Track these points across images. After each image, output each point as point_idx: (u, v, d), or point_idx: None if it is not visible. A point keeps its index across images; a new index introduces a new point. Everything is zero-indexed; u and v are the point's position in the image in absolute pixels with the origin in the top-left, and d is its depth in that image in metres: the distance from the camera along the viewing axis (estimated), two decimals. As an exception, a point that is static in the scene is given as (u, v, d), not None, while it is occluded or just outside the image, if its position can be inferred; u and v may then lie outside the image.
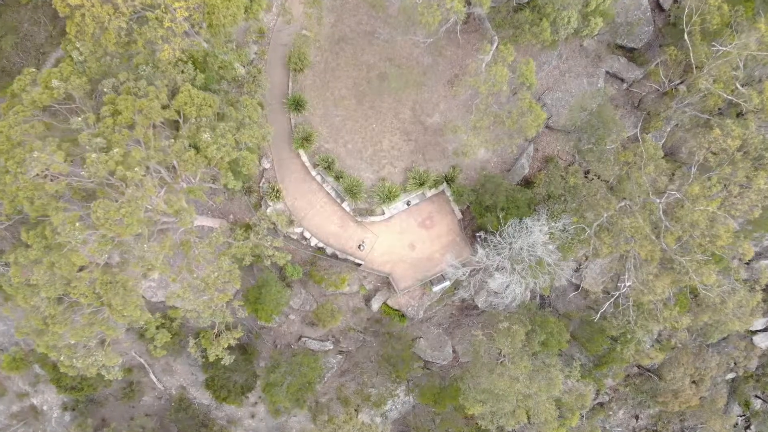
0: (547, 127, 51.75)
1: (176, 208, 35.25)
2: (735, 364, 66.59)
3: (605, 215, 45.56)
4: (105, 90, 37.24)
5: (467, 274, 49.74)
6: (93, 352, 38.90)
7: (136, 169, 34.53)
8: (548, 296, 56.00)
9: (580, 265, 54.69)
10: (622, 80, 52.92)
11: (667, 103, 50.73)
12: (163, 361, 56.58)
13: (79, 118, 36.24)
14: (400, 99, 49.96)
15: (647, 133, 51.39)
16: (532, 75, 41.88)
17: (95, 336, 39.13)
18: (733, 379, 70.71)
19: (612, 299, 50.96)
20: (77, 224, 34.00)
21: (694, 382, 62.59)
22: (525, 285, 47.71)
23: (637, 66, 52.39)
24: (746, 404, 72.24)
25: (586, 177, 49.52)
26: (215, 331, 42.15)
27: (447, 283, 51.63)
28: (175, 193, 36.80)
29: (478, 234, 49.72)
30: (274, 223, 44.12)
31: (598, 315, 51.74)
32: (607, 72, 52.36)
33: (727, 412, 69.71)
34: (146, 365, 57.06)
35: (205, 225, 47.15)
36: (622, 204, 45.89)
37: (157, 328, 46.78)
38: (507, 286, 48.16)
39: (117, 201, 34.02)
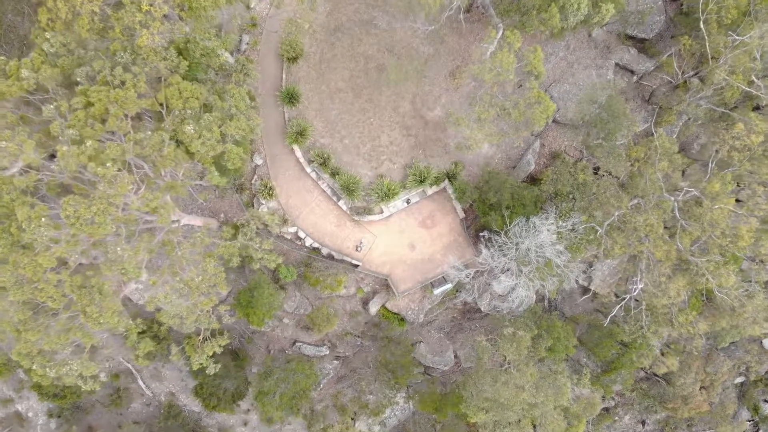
0: (554, 121, 48.20)
1: (154, 206, 31.54)
2: (747, 368, 62.77)
3: (616, 213, 42.09)
4: (79, 80, 33.59)
5: (471, 276, 46.16)
6: (68, 361, 35.10)
7: (108, 164, 30.84)
8: (554, 299, 52.20)
9: (590, 266, 50.86)
10: (632, 72, 49.34)
11: (680, 96, 47.15)
12: (152, 366, 52.97)
13: (51, 106, 32.61)
14: (400, 92, 46.18)
15: (658, 128, 48.09)
16: (540, 63, 38.09)
17: (71, 343, 35.38)
18: (741, 384, 67.09)
19: (622, 302, 47.35)
20: (43, 220, 30.26)
21: (703, 387, 58.83)
22: (533, 288, 44.20)
23: (648, 57, 48.78)
24: (755, 409, 69.05)
25: (596, 174, 45.84)
26: (200, 337, 38.32)
27: (449, 286, 47.93)
28: (154, 189, 32.98)
29: (481, 234, 46.13)
30: (264, 223, 40.22)
31: (608, 319, 48.21)
32: (617, 64, 48.81)
33: (735, 417, 66.08)
34: (134, 371, 53.42)
35: (195, 224, 43.33)
36: (635, 201, 42.19)
37: (142, 333, 43.11)
38: (513, 289, 44.74)
39: (89, 198, 30.30)
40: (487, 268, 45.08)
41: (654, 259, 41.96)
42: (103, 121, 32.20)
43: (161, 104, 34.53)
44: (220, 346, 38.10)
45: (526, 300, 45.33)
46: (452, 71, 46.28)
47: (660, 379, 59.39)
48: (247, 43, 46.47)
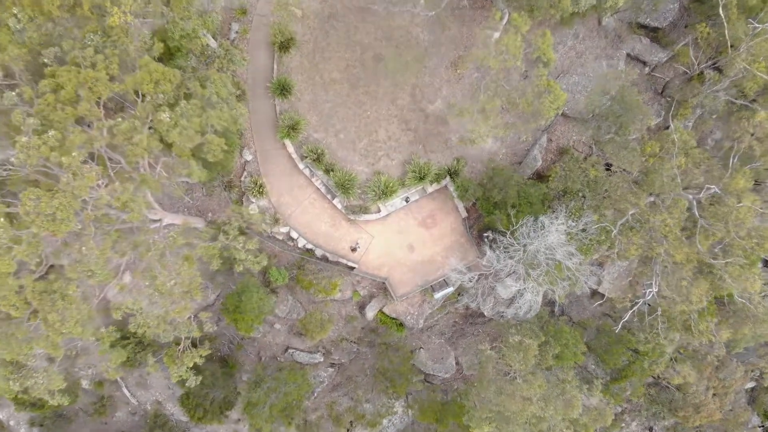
0: (563, 114, 44.25)
1: (123, 201, 27.46)
2: (760, 374, 58.59)
3: (631, 212, 38.05)
4: (46, 61, 29.63)
5: (474, 279, 42.05)
6: (33, 374, 31.04)
7: (74, 154, 26.83)
8: (561, 303, 47.86)
9: (600, 267, 46.85)
10: (644, 63, 45.36)
11: (695, 88, 43.28)
12: (137, 374, 48.84)
13: (13, 93, 28.66)
14: (398, 83, 42.10)
15: (675, 121, 43.68)
16: (550, 49, 34.00)
17: (37, 354, 31.38)
18: (752, 389, 62.90)
19: (635, 307, 43.14)
20: (1, 220, 26.29)
21: (716, 394, 54.57)
22: (541, 293, 40.32)
23: (661, 47, 44.84)
24: (765, 414, 64.72)
25: (607, 170, 41.71)
26: (180, 347, 34.17)
27: (450, 290, 43.84)
28: (127, 183, 28.92)
29: (485, 234, 42.04)
30: (248, 222, 35.96)
31: (620, 325, 44.02)
32: (628, 54, 44.89)
33: (745, 424, 61.87)
34: (119, 378, 49.18)
35: (178, 224, 39.15)
36: (651, 200, 38.05)
37: (125, 339, 39.02)
38: (520, 294, 40.64)
39: (51, 192, 26.36)
40: (491, 271, 41.06)
41: (671, 261, 37.76)
42: (74, 104, 28.21)
43: (137, 93, 30.49)
44: (201, 357, 33.97)
45: (534, 306, 41.33)
46: (454, 61, 42.23)
47: (669, 385, 55.22)
48: (237, 32, 42.53)
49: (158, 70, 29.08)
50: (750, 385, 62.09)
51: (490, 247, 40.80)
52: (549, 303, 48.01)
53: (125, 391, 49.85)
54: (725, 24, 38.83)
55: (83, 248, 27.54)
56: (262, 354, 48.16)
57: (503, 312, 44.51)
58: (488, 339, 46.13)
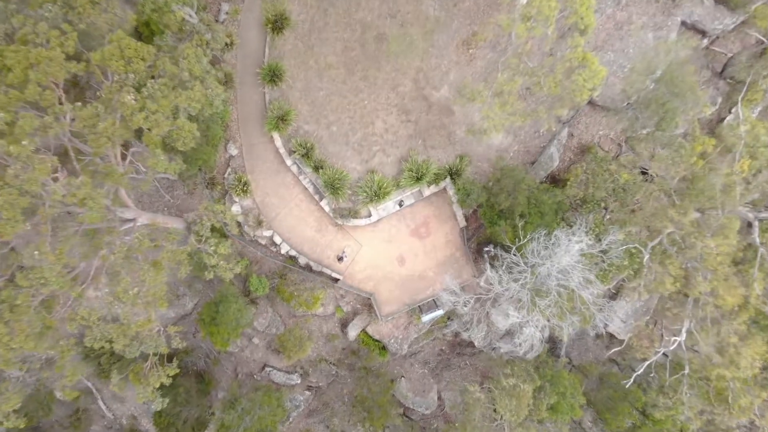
0: (589, 102, 39.05)
1: (81, 197, 24.46)
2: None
3: (668, 232, 32.37)
4: (-6, 41, 26.81)
5: (469, 303, 37.26)
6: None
7: (24, 142, 23.89)
8: (562, 339, 41.86)
9: (611, 299, 40.30)
10: (703, 34, 38.46)
11: None
12: (119, 381, 46.02)
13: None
14: (401, 67, 38.94)
15: (740, 109, 35.98)
16: (590, 11, 28.28)
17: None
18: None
19: (654, 358, 36.75)
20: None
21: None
22: (547, 328, 35.11)
23: (729, 10, 37.71)
24: None
25: (643, 174, 36.26)
26: (147, 364, 31.15)
27: (439, 312, 40.39)
28: (85, 177, 25.92)
29: (486, 249, 37.39)
30: (223, 223, 32.87)
31: (632, 379, 37.58)
32: (684, 23, 38.08)
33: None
34: (95, 390, 46.48)
35: (164, 224, 35.91)
36: (697, 215, 32.64)
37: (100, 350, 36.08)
38: (521, 328, 35.23)
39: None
40: (490, 295, 36.27)
41: (715, 305, 31.65)
42: (24, 87, 25.29)
43: (104, 73, 27.52)
44: (168, 376, 30.92)
45: (536, 345, 35.81)
46: (466, 39, 38.38)
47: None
48: (227, 13, 39.61)
49: (131, 46, 26.21)
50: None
51: (491, 264, 35.99)
52: (549, 339, 41.18)
53: (101, 404, 47.00)
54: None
55: (36, 252, 24.55)
56: (239, 370, 45.18)
57: (497, 345, 40.10)
58: (477, 374, 42.18)
